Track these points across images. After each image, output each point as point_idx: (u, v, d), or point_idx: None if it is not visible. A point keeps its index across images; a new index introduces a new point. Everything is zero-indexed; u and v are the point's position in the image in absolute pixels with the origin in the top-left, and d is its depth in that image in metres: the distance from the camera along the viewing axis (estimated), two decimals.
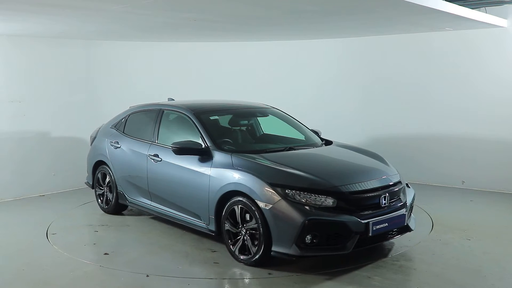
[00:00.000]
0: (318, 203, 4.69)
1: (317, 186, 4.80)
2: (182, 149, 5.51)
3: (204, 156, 5.49)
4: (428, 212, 6.93)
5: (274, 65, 10.04)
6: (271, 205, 4.72)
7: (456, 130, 8.48)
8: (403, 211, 5.13)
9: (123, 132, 6.86)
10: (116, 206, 6.92)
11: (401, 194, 5.29)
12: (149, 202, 6.31)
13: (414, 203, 5.54)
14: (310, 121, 9.33)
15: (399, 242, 5.70)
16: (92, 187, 7.35)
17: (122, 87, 9.36)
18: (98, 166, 7.18)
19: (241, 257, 5.02)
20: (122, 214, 7.05)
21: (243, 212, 4.99)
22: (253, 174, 4.96)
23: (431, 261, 5.13)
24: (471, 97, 8.30)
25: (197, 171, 5.50)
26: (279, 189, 4.76)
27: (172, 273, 4.88)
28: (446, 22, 7.22)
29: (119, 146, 6.77)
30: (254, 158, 5.25)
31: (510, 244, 5.69)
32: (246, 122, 6.62)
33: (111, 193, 6.92)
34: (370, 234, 4.77)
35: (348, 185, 4.89)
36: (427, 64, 8.71)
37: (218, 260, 5.21)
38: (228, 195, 5.13)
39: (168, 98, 7.27)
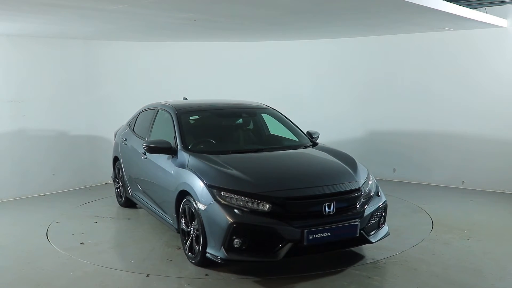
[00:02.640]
0: (253, 207, 4.56)
1: (252, 190, 4.65)
2: (151, 148, 5.65)
3: (172, 155, 5.60)
4: (428, 212, 6.93)
5: (274, 65, 10.04)
6: (206, 206, 4.72)
7: (456, 130, 8.48)
8: (355, 221, 4.77)
9: (133, 130, 7.13)
10: (127, 200, 7.23)
11: (358, 202, 4.90)
12: (142, 197, 6.57)
13: (384, 213, 5.21)
14: (310, 120, 9.38)
15: (399, 242, 5.71)
16: (113, 181, 7.80)
17: (122, 87, 9.36)
18: (116, 161, 7.59)
19: (190, 255, 5.10)
20: (136, 208, 7.30)
21: (191, 212, 5.01)
22: (196, 175, 4.98)
23: (431, 261, 5.13)
24: (471, 97, 8.30)
25: (165, 170, 5.64)
26: (215, 191, 4.71)
27: (119, 266, 5.13)
28: (446, 22, 7.23)
29: (126, 143, 7.05)
30: (208, 159, 5.20)
31: (510, 244, 5.69)
32: (232, 122, 6.58)
33: (123, 187, 7.27)
34: (305, 243, 4.51)
35: (286, 191, 4.69)
36: (427, 64, 8.71)
37: (173, 257, 5.30)
38: (182, 195, 5.19)
39: (183, 98, 7.45)
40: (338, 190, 4.87)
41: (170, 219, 5.57)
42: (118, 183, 7.52)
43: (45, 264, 5.22)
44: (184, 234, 5.19)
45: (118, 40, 9.10)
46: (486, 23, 7.33)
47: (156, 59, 9.67)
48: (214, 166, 5.05)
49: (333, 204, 4.71)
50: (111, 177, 7.95)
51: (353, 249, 5.47)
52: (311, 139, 6.24)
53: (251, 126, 6.64)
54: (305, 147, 6.00)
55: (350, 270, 4.90)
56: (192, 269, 4.96)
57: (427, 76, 8.71)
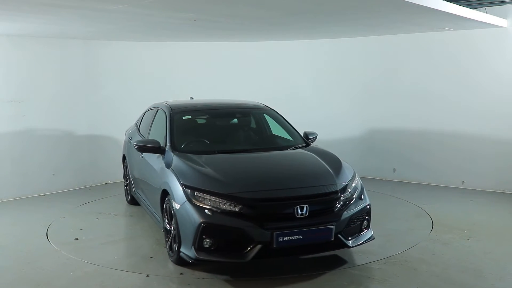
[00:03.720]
0: (224, 208, 4.56)
1: (224, 191, 4.64)
2: (141, 147, 5.72)
3: (161, 154, 5.65)
4: (428, 212, 6.93)
5: (274, 65, 10.04)
6: (180, 206, 4.76)
7: (457, 130, 8.48)
8: (329, 224, 4.67)
9: (138, 129, 7.25)
10: (133, 198, 7.31)
11: (335, 205, 4.79)
12: (141, 195, 6.66)
13: (368, 216, 5.09)
14: (310, 120, 9.39)
15: (399, 242, 5.71)
16: (123, 179, 7.91)
17: (122, 87, 9.36)
18: (124, 159, 7.73)
19: (170, 253, 5.13)
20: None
21: (171, 211, 5.04)
22: (174, 175, 5.01)
23: (431, 261, 5.12)
24: (471, 97, 8.30)
25: (154, 169, 5.70)
26: (188, 191, 4.73)
27: (101, 262, 5.21)
28: (446, 22, 7.23)
29: (131, 141, 7.10)
30: (190, 159, 5.24)
31: (510, 244, 5.69)
32: (226, 122, 6.60)
33: (129, 185, 7.40)
34: (275, 246, 4.46)
35: (258, 192, 4.66)
36: (427, 64, 8.71)
37: (157, 256, 5.35)
38: (165, 194, 5.23)
39: (190, 97, 7.49)
40: (313, 193, 4.80)
41: (158, 217, 5.64)
42: (126, 181, 7.66)
43: (45, 264, 5.22)
44: (167, 232, 5.24)
45: (118, 40, 9.10)
46: (486, 23, 7.33)
47: (156, 59, 9.66)
48: (192, 166, 5.08)
49: (306, 206, 4.62)
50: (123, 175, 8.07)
51: (353, 249, 5.46)
52: (307, 140, 6.18)
53: (247, 126, 6.61)
54: (296, 148, 5.92)
55: (349, 270, 4.90)
56: (171, 268, 4.99)
57: (427, 76, 8.71)
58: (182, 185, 4.81)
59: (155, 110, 6.77)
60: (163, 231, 5.40)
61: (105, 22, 6.56)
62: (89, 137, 9.03)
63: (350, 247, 4.89)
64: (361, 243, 5.00)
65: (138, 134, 7.05)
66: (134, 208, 7.33)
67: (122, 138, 8.12)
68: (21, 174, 8.20)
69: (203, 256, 4.55)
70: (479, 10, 7.30)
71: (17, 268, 5.13)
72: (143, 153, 6.12)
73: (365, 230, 5.11)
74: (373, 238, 5.15)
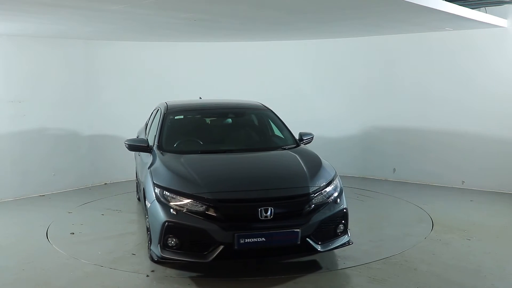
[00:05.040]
0: (189, 208, 4.57)
1: (190, 191, 4.66)
2: (130, 146, 5.86)
3: (149, 153, 5.74)
4: (428, 212, 6.93)
5: (274, 65, 10.04)
6: (150, 204, 4.82)
7: (456, 130, 8.48)
8: (295, 228, 4.56)
9: (145, 128, 7.29)
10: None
11: (303, 208, 4.67)
12: (140, 192, 6.68)
13: (345, 220, 4.95)
14: (310, 119, 9.41)
15: (399, 242, 5.71)
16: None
17: (122, 87, 9.36)
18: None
19: (148, 251, 5.13)
20: None
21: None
22: (150, 173, 5.09)
23: (431, 261, 5.12)
24: (471, 97, 8.30)
25: (143, 168, 5.80)
26: (158, 190, 4.78)
27: (85, 256, 5.37)
28: (446, 22, 7.23)
29: None
30: (169, 159, 5.31)
31: (510, 244, 5.69)
32: (218, 122, 6.62)
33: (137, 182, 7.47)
34: (236, 247, 4.43)
35: (222, 193, 4.66)
36: (427, 64, 8.71)
37: (140, 252, 5.43)
38: (145, 192, 5.28)
39: (199, 97, 7.47)
40: (279, 195, 4.72)
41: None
42: (136, 179, 7.71)
43: (45, 264, 5.22)
44: (147, 230, 5.28)
45: (118, 40, 9.10)
46: (486, 23, 7.33)
47: (156, 59, 9.66)
48: (168, 166, 5.12)
49: (271, 209, 4.55)
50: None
51: (353, 249, 5.47)
52: (301, 141, 6.11)
53: (240, 126, 6.58)
54: (284, 149, 5.84)
55: (349, 270, 4.89)
56: (146, 265, 5.03)
57: (427, 76, 8.71)
58: (154, 184, 4.88)
59: (157, 109, 6.86)
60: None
61: (105, 22, 6.56)
62: (89, 137, 9.03)
63: (319, 251, 4.74)
64: (333, 248, 4.88)
65: (144, 132, 7.13)
66: (142, 205, 7.37)
67: (122, 138, 8.11)
68: (21, 174, 8.20)
69: (167, 255, 4.57)
70: (479, 10, 7.30)
71: (17, 268, 5.13)
72: (141, 153, 6.19)
73: (341, 235, 4.94)
74: (350, 243, 5.00)
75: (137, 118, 8.35)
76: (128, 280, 4.77)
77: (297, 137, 6.19)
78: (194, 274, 4.84)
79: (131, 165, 7.86)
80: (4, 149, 8.00)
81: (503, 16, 7.70)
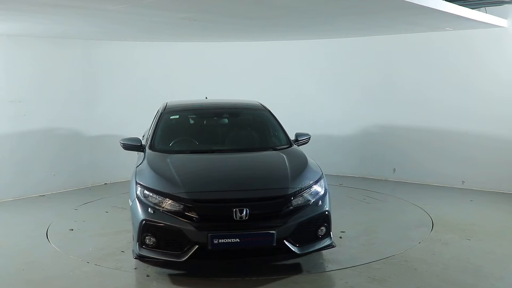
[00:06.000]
0: (166, 207, 4.61)
1: (168, 191, 4.69)
2: (125, 145, 5.93)
3: (142, 152, 5.79)
4: (428, 212, 6.93)
5: (274, 65, 10.04)
6: (131, 202, 4.89)
7: (456, 130, 8.48)
8: (272, 229, 4.51)
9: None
10: None
11: (281, 210, 4.61)
12: None
13: (327, 223, 4.84)
14: (311, 120, 9.41)
15: (399, 242, 5.70)
16: None
17: (123, 87, 9.37)
18: None
19: None
20: None
21: None
22: (134, 172, 5.17)
23: (431, 261, 5.12)
24: (471, 97, 8.30)
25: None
26: (139, 188, 4.84)
27: (76, 252, 5.49)
28: (446, 22, 7.23)
29: None
30: (156, 158, 5.37)
31: (510, 244, 5.69)
32: (213, 122, 6.61)
33: None
34: (210, 247, 4.43)
35: (199, 193, 4.68)
36: (427, 64, 8.71)
37: (129, 250, 5.41)
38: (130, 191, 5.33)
39: (205, 97, 7.43)
40: (255, 196, 4.68)
41: None
42: None
43: (45, 264, 5.23)
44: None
45: (119, 40, 9.10)
46: (486, 23, 7.33)
47: (156, 59, 9.66)
48: (152, 165, 5.18)
49: (246, 210, 4.51)
50: None
51: (352, 249, 5.47)
52: (297, 141, 6.07)
53: (235, 126, 6.54)
54: (275, 149, 5.76)
55: (350, 270, 4.89)
56: (131, 263, 5.07)
57: (427, 76, 8.71)
58: (136, 182, 4.94)
59: (158, 109, 6.81)
60: None
61: (105, 22, 6.56)
62: (89, 137, 9.03)
63: (297, 254, 4.67)
64: (313, 251, 4.81)
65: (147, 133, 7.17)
66: None
67: (122, 137, 8.11)
68: (21, 174, 8.20)
69: (144, 253, 4.62)
70: (479, 10, 7.30)
71: (17, 268, 5.13)
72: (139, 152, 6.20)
73: (322, 238, 4.84)
74: (332, 247, 4.91)
75: (137, 117, 8.36)
76: (128, 280, 4.78)
77: (293, 137, 6.15)
78: (174, 272, 4.86)
79: (132, 165, 7.81)
80: (4, 149, 8.00)
81: (503, 16, 7.70)
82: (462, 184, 8.46)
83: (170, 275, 4.82)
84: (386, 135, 9.25)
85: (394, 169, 9.21)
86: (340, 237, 5.78)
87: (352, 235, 5.94)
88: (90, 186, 8.98)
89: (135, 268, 4.97)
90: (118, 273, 4.92)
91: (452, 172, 8.54)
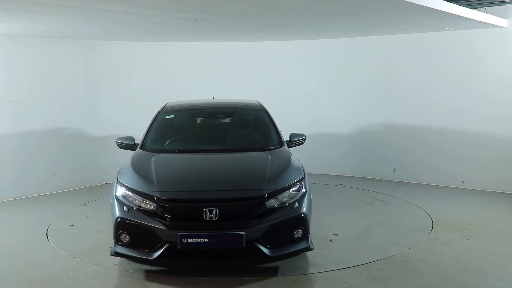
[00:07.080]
0: (141, 206, 4.68)
1: (143, 189, 4.76)
2: (120, 144, 6.05)
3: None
4: (428, 212, 6.93)
5: (274, 65, 10.04)
6: (111, 200, 4.96)
7: (456, 130, 8.48)
8: (241, 230, 4.48)
9: None
10: None
11: (252, 211, 4.58)
12: None
13: (303, 226, 4.73)
14: (311, 120, 9.41)
15: (399, 242, 5.70)
16: None
17: (122, 87, 9.36)
18: None
19: None
20: None
21: None
22: (118, 171, 5.25)
23: (431, 261, 5.12)
24: (471, 97, 8.30)
25: None
26: (118, 187, 4.95)
27: (68, 248, 5.60)
28: (446, 22, 7.23)
29: None
30: (140, 157, 5.47)
31: (510, 244, 5.69)
32: (209, 122, 6.66)
33: None
34: (179, 246, 4.45)
35: (171, 192, 4.71)
36: (427, 64, 8.71)
37: None
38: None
39: (212, 97, 7.40)
40: (225, 197, 4.68)
41: None
42: None
43: (45, 264, 5.23)
44: None
45: (119, 40, 9.10)
46: (486, 23, 7.33)
47: (157, 59, 9.66)
48: (134, 164, 5.28)
49: (216, 210, 4.51)
50: None
51: (352, 249, 5.47)
52: (290, 142, 6.04)
53: (230, 126, 6.53)
54: (264, 150, 5.68)
55: (350, 270, 4.89)
56: (115, 260, 5.11)
57: (427, 76, 8.71)
58: (117, 181, 5.04)
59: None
60: None
61: (105, 22, 6.56)
62: (89, 137, 9.03)
63: (268, 256, 4.61)
64: (287, 254, 4.76)
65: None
66: None
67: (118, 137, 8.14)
68: (21, 174, 8.20)
69: (119, 250, 4.73)
70: (479, 10, 7.30)
71: (17, 268, 5.12)
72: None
73: (298, 241, 4.75)
74: (309, 250, 4.84)
75: (137, 117, 8.34)
76: (128, 280, 4.78)
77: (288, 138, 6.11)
78: (151, 269, 4.85)
79: None
80: (4, 149, 8.00)
81: (503, 16, 7.70)
82: (462, 184, 8.46)
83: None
84: (386, 135, 9.25)
85: (394, 169, 9.21)
86: (331, 240, 5.76)
87: (344, 238, 5.88)
88: (90, 186, 8.98)
89: (115, 265, 5.06)
90: (118, 273, 4.92)
91: (452, 172, 8.54)
